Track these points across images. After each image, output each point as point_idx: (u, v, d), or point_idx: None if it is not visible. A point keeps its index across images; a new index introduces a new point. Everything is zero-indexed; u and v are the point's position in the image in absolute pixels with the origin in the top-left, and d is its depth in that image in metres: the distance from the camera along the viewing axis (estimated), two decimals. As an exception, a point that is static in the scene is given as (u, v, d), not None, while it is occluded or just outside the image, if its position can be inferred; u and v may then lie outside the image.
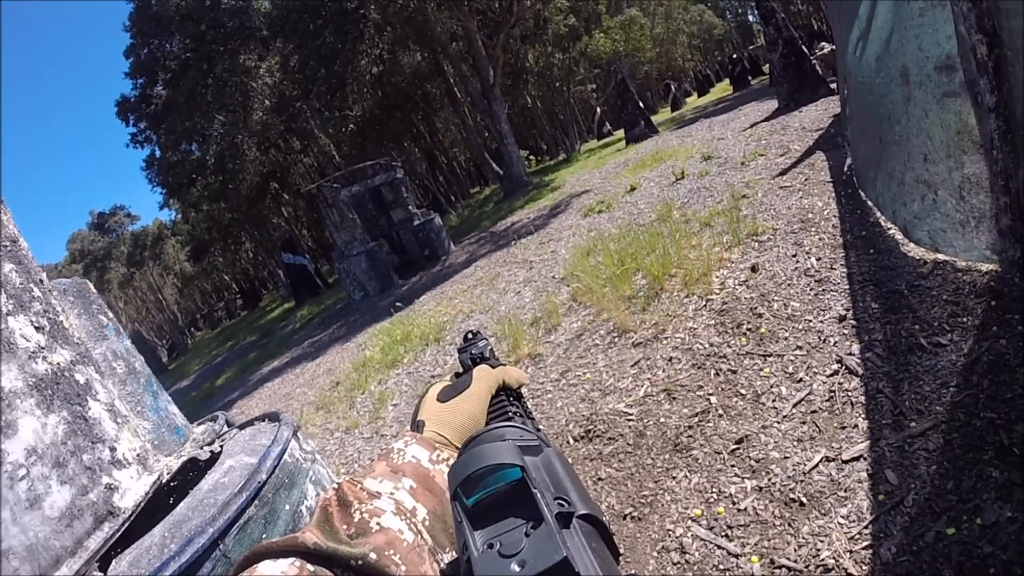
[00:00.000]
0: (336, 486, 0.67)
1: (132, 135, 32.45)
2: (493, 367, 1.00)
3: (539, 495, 0.50)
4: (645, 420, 3.44)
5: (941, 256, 3.45)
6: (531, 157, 39.68)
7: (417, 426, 0.86)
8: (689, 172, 10.05)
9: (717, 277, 4.81)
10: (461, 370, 1.08)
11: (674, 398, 3.49)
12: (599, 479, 3.16)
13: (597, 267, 6.48)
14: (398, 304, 11.32)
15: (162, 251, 67.21)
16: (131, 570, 1.66)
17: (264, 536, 1.71)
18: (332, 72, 23.16)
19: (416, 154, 37.40)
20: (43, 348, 1.99)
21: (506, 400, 0.95)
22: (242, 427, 2.30)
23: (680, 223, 6.81)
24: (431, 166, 38.99)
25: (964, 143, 2.96)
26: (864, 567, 1.98)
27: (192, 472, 2.23)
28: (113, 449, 2.06)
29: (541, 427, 0.77)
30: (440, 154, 40.24)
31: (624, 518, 2.79)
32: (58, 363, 2.01)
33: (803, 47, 13.15)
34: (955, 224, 3.19)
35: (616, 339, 4.69)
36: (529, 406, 0.96)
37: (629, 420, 3.52)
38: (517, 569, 0.45)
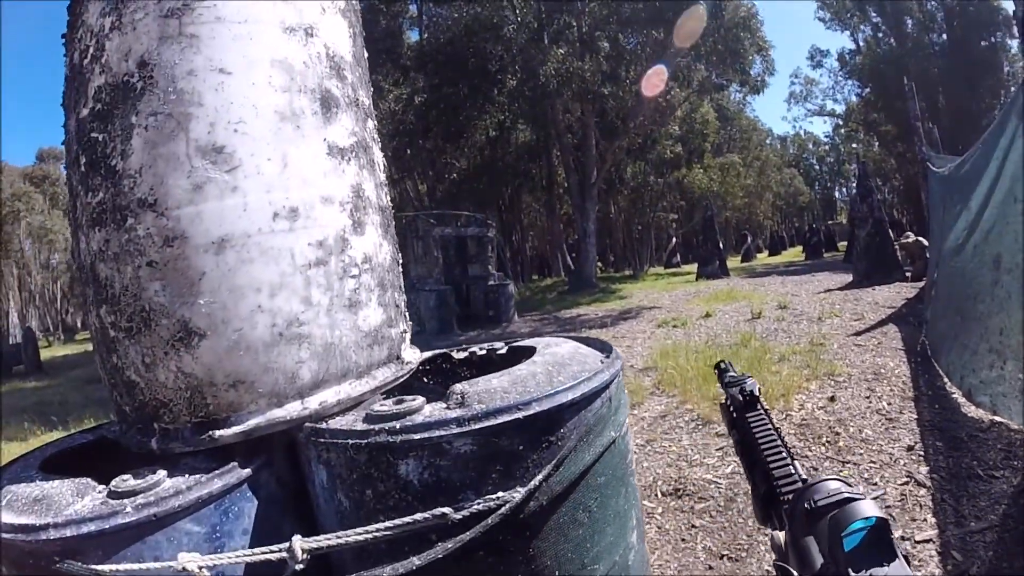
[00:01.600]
0: None
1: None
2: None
3: (894, 538, 0.66)
4: (734, 490, 3.82)
5: (998, 418, 4.11)
6: (599, 265, 40.54)
7: None
8: (766, 315, 10.68)
9: (796, 400, 5.40)
10: (725, 399, 1.21)
11: None
12: (692, 526, 3.47)
13: (681, 366, 6.98)
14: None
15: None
16: (515, 388, 1.66)
17: (620, 404, 1.83)
18: (453, 121, 24.24)
19: (494, 223, 38.33)
20: (385, 186, 2.12)
21: (775, 435, 1.06)
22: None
23: (760, 351, 7.41)
24: (504, 238, 39.91)
25: None
26: None
27: (446, 365, 2.48)
28: (404, 305, 2.16)
29: None
30: (516, 232, 41.08)
31: (721, 557, 3.13)
32: (390, 207, 2.15)
33: (889, 230, 13.98)
34: (1016, 392, 3.83)
35: (700, 426, 5.13)
36: None
37: (718, 487, 3.90)
38: None
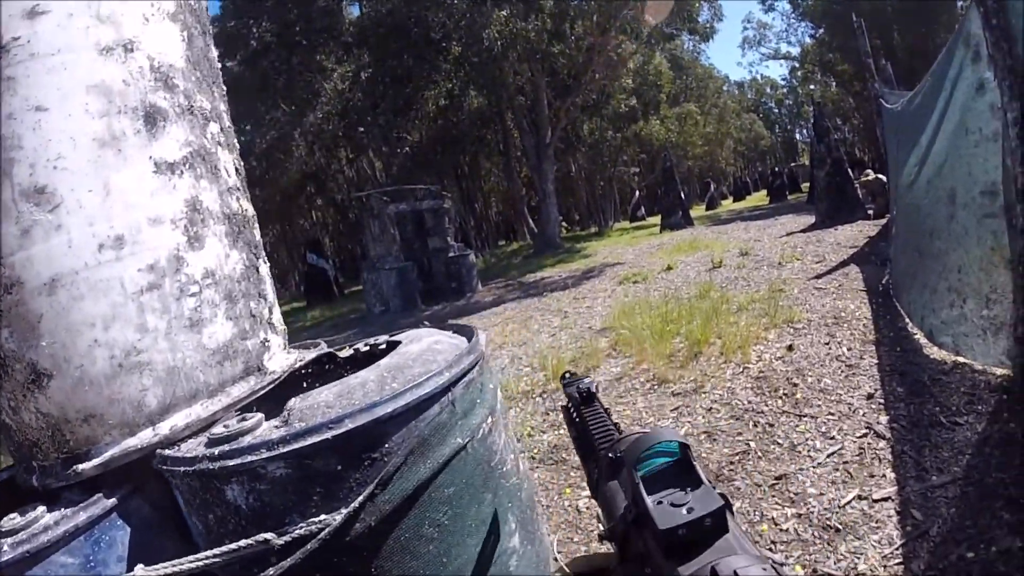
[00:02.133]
0: None
1: (194, 102, 32.94)
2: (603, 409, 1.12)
3: (698, 465, 0.66)
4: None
5: (961, 359, 3.97)
6: (563, 224, 40.46)
7: None
8: (727, 263, 10.58)
9: (754, 351, 5.26)
10: (566, 402, 1.24)
11: (714, 439, 3.86)
12: None
13: (638, 325, 6.87)
14: (425, 323, 11.47)
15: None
16: (339, 401, 1.62)
17: (478, 402, 1.75)
18: (401, 94, 23.82)
19: (454, 193, 38.09)
20: (238, 189, 2.05)
21: (604, 414, 1.10)
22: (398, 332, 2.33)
23: (718, 302, 7.27)
24: (466, 208, 39.65)
25: (995, 259, 3.49)
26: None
27: (328, 365, 2.36)
28: (271, 311, 2.10)
29: None
30: (477, 198, 40.87)
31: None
32: (245, 210, 2.08)
33: (848, 170, 13.91)
34: (977, 330, 3.73)
35: (655, 387, 5.04)
36: None
37: None
38: (685, 513, 0.60)
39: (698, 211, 33.53)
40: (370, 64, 24.34)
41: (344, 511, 1.41)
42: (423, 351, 1.89)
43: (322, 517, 1.42)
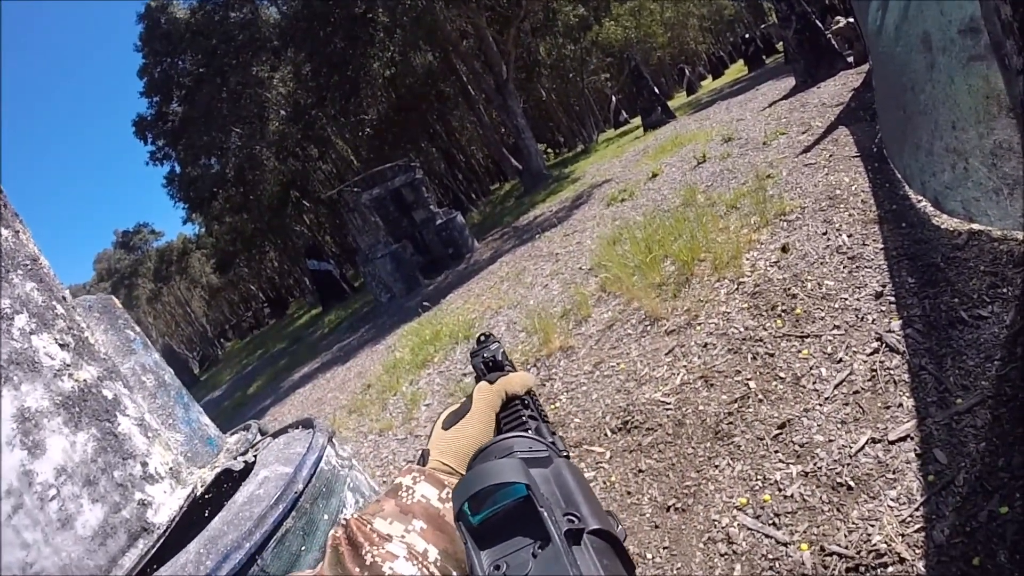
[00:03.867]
0: (344, 523, 0.68)
1: (151, 153, 33.25)
2: (492, 381, 0.98)
3: (545, 513, 0.49)
4: (683, 408, 3.39)
5: (975, 226, 3.39)
6: (549, 150, 39.64)
7: (423, 456, 0.86)
8: (710, 155, 9.96)
9: (747, 260, 4.75)
10: (475, 374, 1.09)
11: (712, 385, 3.45)
12: (639, 471, 3.12)
13: (624, 256, 6.42)
14: (425, 304, 11.31)
15: (188, 265, 68.02)
16: None
17: (303, 548, 1.70)
18: (345, 77, 23.28)
19: (434, 154, 37.47)
20: (69, 365, 1.98)
21: (520, 405, 0.94)
22: (275, 435, 2.29)
23: (705, 207, 6.75)
24: (450, 165, 39.05)
25: (993, 108, 2.90)
26: (917, 550, 1.94)
27: (227, 483, 2.25)
28: (145, 464, 2.06)
29: (557, 431, 0.78)
30: (458, 152, 40.28)
31: (668, 510, 2.76)
32: (85, 380, 2.00)
33: (817, 22, 12.99)
34: (988, 192, 3.13)
35: (648, 328, 4.63)
36: (542, 408, 0.95)
37: (667, 409, 3.46)
38: None
39: (679, 100, 32.73)
40: (306, 59, 23.87)
41: None
42: (245, 503, 1.85)
43: None
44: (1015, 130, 2.72)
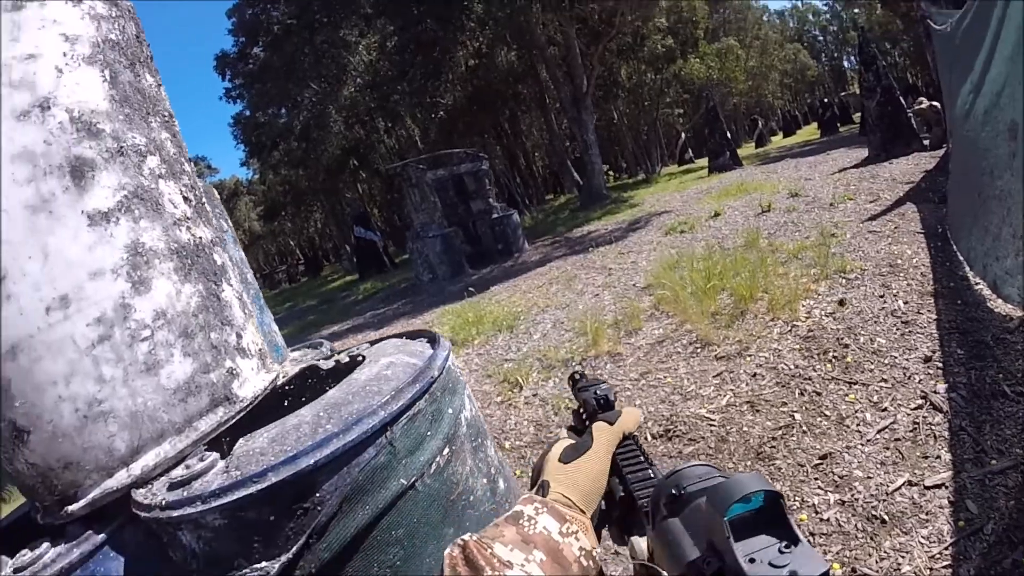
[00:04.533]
0: (462, 543, 0.69)
1: (226, 90, 33.58)
2: (611, 421, 1.03)
3: (792, 518, 0.61)
4: (727, 427, 3.58)
5: None
6: (610, 173, 39.74)
7: (542, 487, 0.90)
8: (776, 206, 10.18)
9: (803, 306, 4.99)
10: (578, 406, 1.19)
11: (757, 410, 3.67)
12: None
13: (681, 281, 6.62)
14: (471, 289, 11.50)
15: (235, 207, 68.92)
16: (272, 447, 1.60)
17: (429, 434, 1.69)
18: (429, 58, 23.48)
19: (497, 152, 37.74)
20: (188, 219, 2.02)
21: (633, 444, 1.01)
22: (373, 343, 2.32)
23: (767, 252, 6.97)
24: (510, 165, 39.31)
25: None
26: None
27: (312, 379, 2.34)
28: (239, 336, 2.08)
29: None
30: (521, 155, 40.50)
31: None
32: (200, 237, 2.05)
33: (901, 98, 13.08)
34: (1047, 283, 3.37)
35: (698, 350, 4.84)
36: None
37: (711, 425, 3.66)
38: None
39: (747, 149, 32.69)
40: (394, 32, 24.12)
41: (281, 559, 1.42)
42: (370, 379, 1.85)
43: (263, 564, 1.43)
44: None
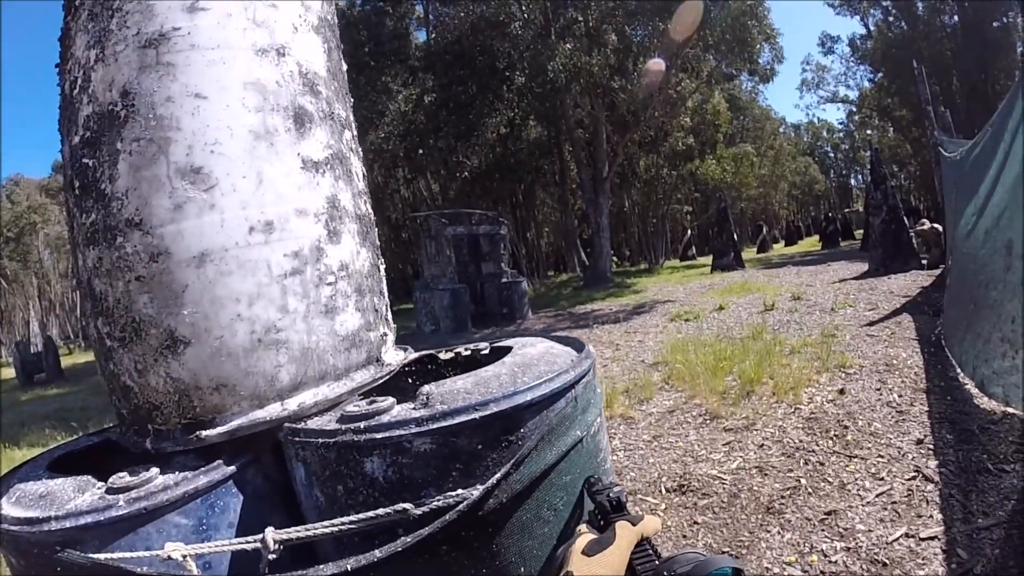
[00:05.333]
0: None
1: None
2: (633, 522, 1.16)
3: None
4: (738, 485, 3.85)
5: (1011, 410, 4.06)
6: (615, 259, 40.45)
7: None
8: (779, 307, 10.66)
9: (806, 393, 5.38)
10: (594, 507, 1.33)
11: (766, 474, 3.98)
12: (695, 523, 3.50)
13: (691, 360, 6.97)
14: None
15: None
16: (477, 389, 1.72)
17: (591, 403, 1.86)
18: (463, 120, 24.30)
19: (508, 220, 38.33)
20: (366, 193, 2.23)
21: (648, 545, 1.13)
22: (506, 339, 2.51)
23: (771, 344, 7.37)
24: (519, 236, 39.91)
25: None
26: None
27: (431, 365, 2.55)
28: (387, 309, 2.26)
29: None
30: (532, 227, 41.12)
31: (721, 554, 3.18)
32: (370, 213, 2.26)
33: (904, 218, 13.83)
34: (1029, 382, 3.83)
35: (708, 421, 5.14)
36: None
37: (723, 484, 3.92)
38: None
39: (749, 254, 33.22)
40: (434, 88, 24.93)
41: (481, 487, 1.52)
42: (542, 353, 2.05)
43: (459, 492, 1.55)
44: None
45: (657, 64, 20.83)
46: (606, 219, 23.95)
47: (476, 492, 1.51)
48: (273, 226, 1.79)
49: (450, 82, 23.77)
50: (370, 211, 2.29)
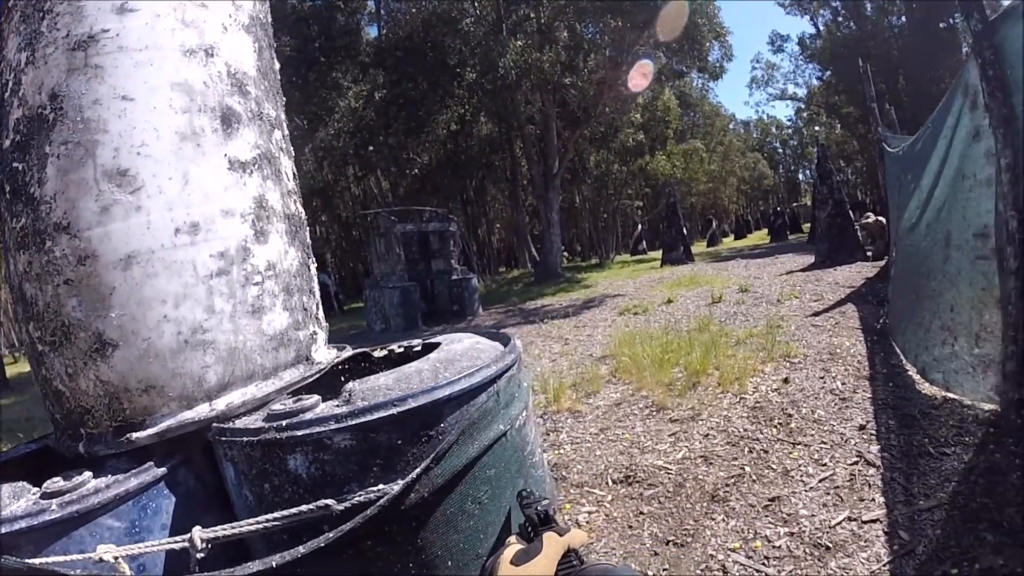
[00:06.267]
0: None
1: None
2: (560, 533, 1.18)
3: None
4: (683, 475, 3.85)
5: (951, 395, 4.13)
6: (565, 254, 40.66)
7: None
8: (726, 299, 10.75)
9: (751, 383, 5.39)
10: (523, 520, 1.34)
11: (710, 463, 3.97)
12: (640, 513, 3.49)
13: (638, 354, 6.95)
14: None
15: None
16: (398, 384, 1.75)
17: (515, 396, 1.91)
18: (413, 116, 24.14)
19: (459, 217, 38.29)
20: (295, 192, 2.26)
21: (574, 556, 1.15)
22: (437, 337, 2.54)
23: (717, 336, 7.40)
24: (470, 233, 39.88)
25: (986, 298, 3.65)
26: None
27: (365, 364, 2.57)
28: (318, 307, 2.32)
29: None
30: (483, 224, 41.13)
31: (667, 543, 3.11)
32: (300, 212, 2.30)
33: (850, 211, 14.13)
34: (967, 367, 3.88)
35: (654, 412, 5.13)
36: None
37: (668, 474, 3.91)
38: None
39: (699, 247, 33.70)
40: (385, 85, 24.75)
41: (402, 481, 1.54)
42: (467, 349, 2.09)
43: (380, 487, 1.57)
44: (999, 319, 3.48)
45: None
46: (557, 215, 23.98)
47: (397, 487, 1.54)
48: (199, 227, 1.81)
49: (401, 78, 23.60)
50: (300, 210, 2.30)
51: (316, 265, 2.36)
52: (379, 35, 28.06)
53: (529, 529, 1.31)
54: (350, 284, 37.42)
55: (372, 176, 32.77)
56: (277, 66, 2.33)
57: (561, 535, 1.18)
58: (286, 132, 2.27)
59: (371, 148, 27.45)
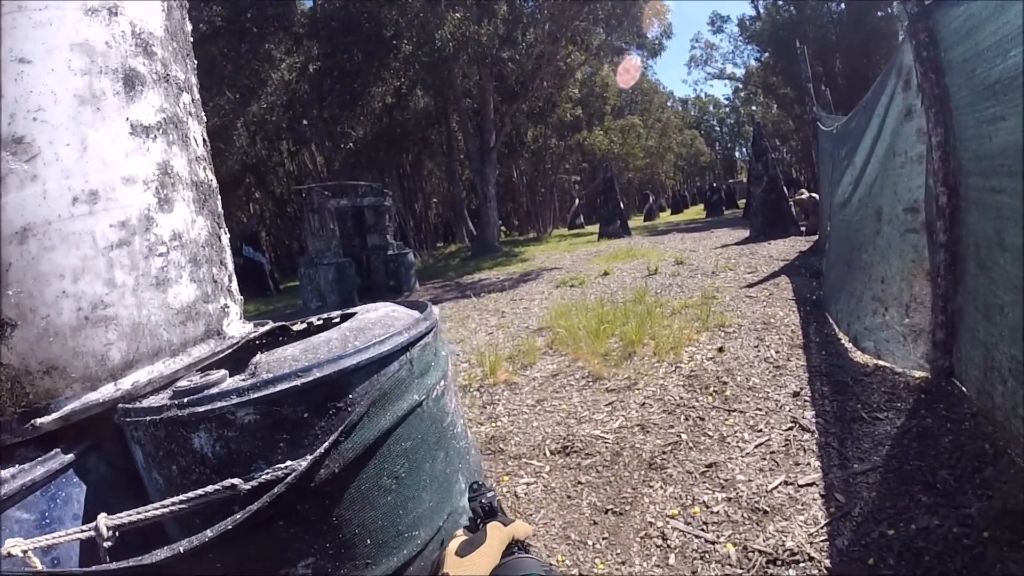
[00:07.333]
0: None
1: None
2: (504, 523, 1.20)
3: None
4: (621, 444, 3.82)
5: (882, 363, 4.19)
6: (503, 228, 40.63)
7: None
8: (662, 271, 10.83)
9: (686, 352, 5.39)
10: (471, 514, 1.33)
11: (647, 431, 3.94)
12: (579, 483, 3.46)
13: (574, 325, 6.92)
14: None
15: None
16: (305, 355, 1.67)
17: (431, 365, 1.84)
18: (348, 89, 23.68)
19: (395, 192, 37.93)
20: (205, 159, 2.14)
21: (518, 548, 1.17)
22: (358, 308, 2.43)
23: (653, 306, 7.41)
24: (406, 208, 39.53)
25: (916, 270, 3.72)
26: (823, 553, 2.46)
27: (282, 337, 2.42)
28: (230, 280, 2.19)
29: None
30: (418, 199, 40.83)
31: (606, 512, 3.09)
32: (211, 180, 2.17)
33: (784, 188, 14.43)
34: (898, 336, 3.95)
35: (590, 383, 5.10)
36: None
37: (605, 443, 3.88)
38: None
39: (636, 222, 34.02)
40: (319, 57, 24.27)
41: (310, 457, 1.45)
42: (381, 317, 2.00)
43: (288, 463, 1.48)
44: (928, 290, 3.54)
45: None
46: (493, 189, 23.90)
47: (305, 463, 1.47)
48: (98, 195, 1.69)
49: (335, 50, 23.09)
50: (211, 177, 2.17)
51: (229, 236, 2.21)
52: (313, 5, 27.32)
53: (476, 521, 1.28)
54: (286, 263, 36.73)
55: (306, 151, 32.17)
56: (188, 27, 2.18)
57: (505, 526, 1.19)
58: (196, 96, 2.14)
59: (305, 122, 26.93)
